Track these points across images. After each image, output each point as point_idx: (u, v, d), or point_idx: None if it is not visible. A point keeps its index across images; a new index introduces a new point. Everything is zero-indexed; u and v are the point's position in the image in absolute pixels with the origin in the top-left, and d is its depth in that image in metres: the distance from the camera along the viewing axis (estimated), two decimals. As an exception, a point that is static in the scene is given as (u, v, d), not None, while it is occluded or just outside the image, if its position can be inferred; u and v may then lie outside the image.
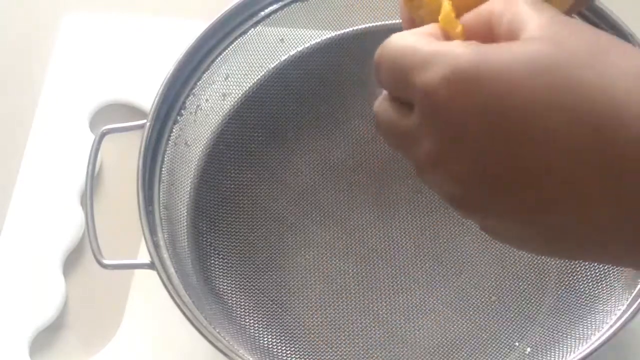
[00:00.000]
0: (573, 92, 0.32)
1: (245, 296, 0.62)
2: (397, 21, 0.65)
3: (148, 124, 0.59)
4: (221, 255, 0.62)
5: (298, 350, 0.60)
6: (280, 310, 0.62)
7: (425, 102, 0.34)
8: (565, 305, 0.59)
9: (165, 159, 0.60)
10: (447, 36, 0.37)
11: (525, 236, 0.36)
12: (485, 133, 0.33)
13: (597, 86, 0.32)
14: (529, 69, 0.33)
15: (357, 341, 0.61)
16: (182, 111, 0.61)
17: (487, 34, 0.36)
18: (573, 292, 0.60)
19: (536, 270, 0.62)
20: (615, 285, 0.58)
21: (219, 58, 0.63)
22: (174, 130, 0.61)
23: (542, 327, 0.59)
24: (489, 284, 0.62)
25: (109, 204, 0.68)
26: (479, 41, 0.35)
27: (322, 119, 0.67)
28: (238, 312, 0.61)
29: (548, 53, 0.33)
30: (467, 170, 0.34)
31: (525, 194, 0.34)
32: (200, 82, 0.62)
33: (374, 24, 0.66)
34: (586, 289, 0.59)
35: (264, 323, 0.61)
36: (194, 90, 0.62)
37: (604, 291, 0.58)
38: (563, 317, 0.59)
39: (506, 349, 0.59)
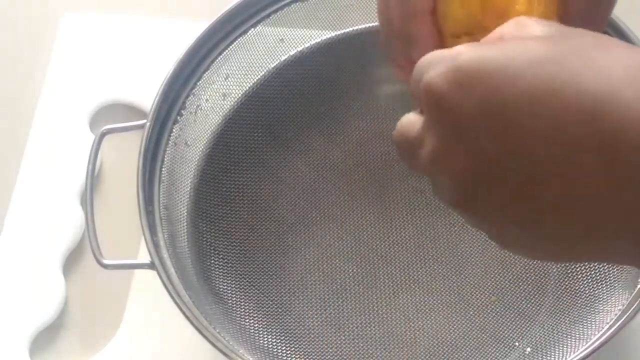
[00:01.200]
0: (570, 80, 0.32)
1: (245, 296, 0.62)
2: (397, 21, 0.65)
3: (148, 124, 0.59)
4: (221, 255, 0.62)
5: (298, 350, 0.60)
6: (280, 310, 0.62)
7: (427, 99, 0.35)
8: (565, 305, 0.59)
9: (165, 159, 0.60)
10: None
11: (530, 241, 0.35)
12: (484, 126, 0.33)
13: (593, 74, 0.32)
14: (525, 61, 0.33)
15: (357, 341, 0.61)
16: (182, 111, 0.61)
17: None
18: (573, 292, 0.60)
19: (536, 270, 0.62)
20: (615, 285, 0.58)
21: (219, 58, 0.63)
22: (174, 130, 0.61)
23: (542, 327, 0.59)
24: (489, 284, 0.62)
25: (109, 204, 0.68)
26: None
27: (322, 119, 0.67)
28: (238, 312, 0.61)
29: (545, 47, 0.33)
30: (468, 165, 0.34)
31: (527, 189, 0.33)
32: (200, 82, 0.62)
33: (374, 24, 0.66)
34: (586, 289, 0.59)
35: (264, 323, 0.61)
36: (194, 90, 0.62)
37: (604, 291, 0.58)
38: (563, 317, 0.59)
39: (506, 349, 0.59)
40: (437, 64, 0.35)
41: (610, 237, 0.33)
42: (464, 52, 0.34)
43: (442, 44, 0.40)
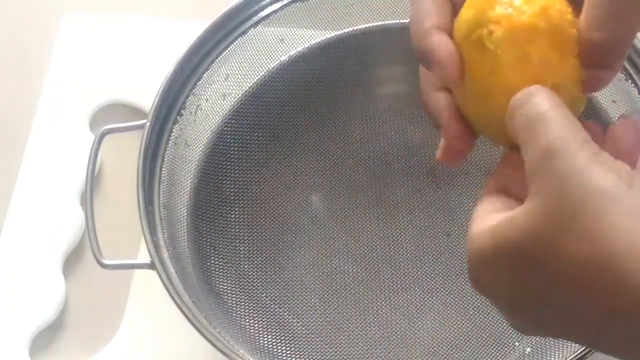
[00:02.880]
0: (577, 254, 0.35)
1: (245, 296, 0.62)
2: (397, 21, 0.65)
3: (148, 124, 0.59)
4: (221, 255, 0.62)
5: (298, 350, 0.60)
6: (280, 310, 0.62)
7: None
8: (565, 305, 0.59)
9: (165, 159, 0.60)
10: None
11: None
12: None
13: (597, 241, 0.34)
14: (530, 238, 0.36)
15: (357, 341, 0.61)
16: (182, 111, 0.61)
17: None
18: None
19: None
20: (615, 285, 0.58)
21: (219, 58, 0.63)
22: (174, 130, 0.61)
23: (542, 327, 0.59)
24: (489, 284, 0.62)
25: (109, 204, 0.68)
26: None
27: (322, 119, 0.67)
28: (238, 312, 0.61)
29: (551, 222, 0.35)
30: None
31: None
32: (200, 82, 0.62)
33: (374, 24, 0.66)
34: (586, 289, 0.59)
35: (264, 323, 0.61)
36: (194, 90, 0.62)
37: (604, 291, 0.58)
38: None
39: (506, 349, 0.59)
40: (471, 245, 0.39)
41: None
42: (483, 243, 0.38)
43: (457, 49, 0.40)
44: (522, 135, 0.37)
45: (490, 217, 0.38)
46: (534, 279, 0.36)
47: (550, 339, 0.57)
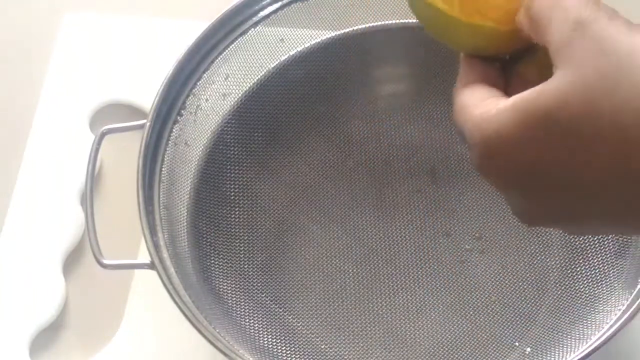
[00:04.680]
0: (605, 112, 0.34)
1: (245, 296, 0.62)
2: (397, 21, 0.65)
3: (148, 124, 0.59)
4: (221, 255, 0.62)
5: (298, 350, 0.60)
6: (280, 310, 0.62)
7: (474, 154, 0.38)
8: (565, 305, 0.59)
9: (165, 159, 0.60)
10: None
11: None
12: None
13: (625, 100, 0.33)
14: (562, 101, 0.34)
15: (357, 341, 0.61)
16: (182, 111, 0.61)
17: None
18: (573, 292, 0.60)
19: (536, 270, 0.62)
20: (615, 285, 0.58)
21: (219, 58, 0.63)
22: (174, 130, 0.61)
23: (542, 327, 0.59)
24: (489, 284, 0.62)
25: (109, 204, 0.68)
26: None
27: (322, 119, 0.67)
28: (238, 312, 0.61)
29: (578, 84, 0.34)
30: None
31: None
32: (200, 82, 0.62)
33: (374, 24, 0.66)
34: (586, 288, 0.59)
35: (264, 323, 0.61)
36: (194, 90, 0.62)
37: (604, 291, 0.58)
38: (563, 317, 0.59)
39: (506, 349, 0.59)
40: (471, 136, 0.37)
41: None
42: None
43: None
44: (546, 15, 0.36)
45: (495, 101, 0.37)
46: (571, 150, 0.35)
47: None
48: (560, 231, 0.41)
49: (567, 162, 0.35)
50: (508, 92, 0.39)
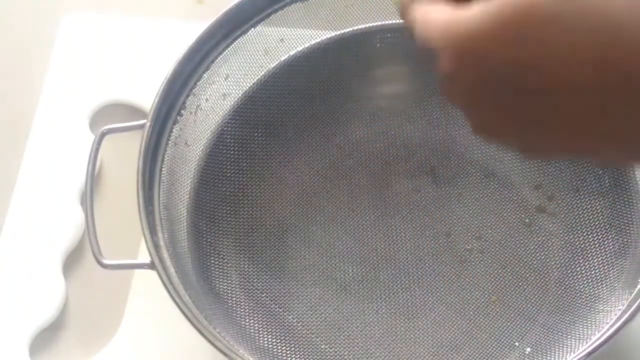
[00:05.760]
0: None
1: (245, 296, 0.62)
2: (397, 21, 0.65)
3: (148, 124, 0.59)
4: (221, 255, 0.62)
5: (298, 350, 0.60)
6: (280, 310, 0.62)
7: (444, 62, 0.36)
8: (566, 305, 0.59)
9: (165, 159, 0.60)
10: None
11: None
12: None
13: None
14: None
15: (357, 341, 0.61)
16: (182, 111, 0.61)
17: None
18: (573, 292, 0.60)
19: (536, 270, 0.62)
20: (615, 285, 0.58)
21: (219, 58, 0.63)
22: (174, 130, 0.61)
23: (542, 327, 0.59)
24: (489, 284, 0.62)
25: (109, 204, 0.68)
26: None
27: (322, 119, 0.67)
28: (238, 312, 0.61)
29: None
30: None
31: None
32: (200, 82, 0.62)
33: (374, 24, 0.66)
34: (586, 288, 0.59)
35: (264, 323, 0.61)
36: (194, 90, 0.62)
37: (604, 291, 0.58)
38: (563, 317, 0.59)
39: (506, 349, 0.59)
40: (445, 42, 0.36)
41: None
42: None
43: None
44: None
45: (461, 9, 0.35)
46: (551, 48, 0.33)
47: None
48: (520, 152, 0.40)
49: (545, 59, 0.34)
50: None
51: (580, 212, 0.62)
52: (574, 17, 0.33)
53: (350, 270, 0.63)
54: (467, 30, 0.35)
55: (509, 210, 0.64)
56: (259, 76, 0.65)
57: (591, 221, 0.61)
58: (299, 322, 0.62)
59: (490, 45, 0.34)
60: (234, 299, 0.61)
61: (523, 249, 0.62)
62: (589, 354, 0.52)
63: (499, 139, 0.40)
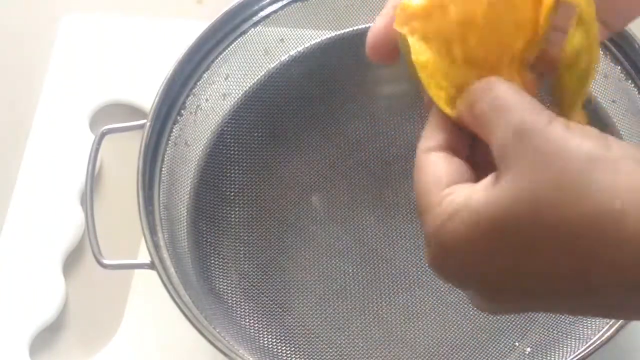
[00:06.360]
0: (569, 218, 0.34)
1: (245, 296, 0.62)
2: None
3: (148, 124, 0.59)
4: (221, 255, 0.62)
5: (298, 350, 0.60)
6: (280, 310, 0.62)
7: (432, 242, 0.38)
8: (566, 305, 0.59)
9: (165, 159, 0.60)
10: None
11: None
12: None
13: (590, 198, 0.34)
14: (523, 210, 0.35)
15: (357, 341, 0.61)
16: (182, 111, 0.61)
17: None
18: (573, 292, 0.60)
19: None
20: (615, 285, 0.58)
21: (219, 58, 0.63)
22: (174, 130, 0.61)
23: (542, 327, 0.59)
24: (489, 284, 0.62)
25: (109, 204, 0.68)
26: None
27: (322, 119, 0.67)
28: (238, 312, 0.61)
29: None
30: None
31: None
32: (200, 82, 0.62)
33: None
34: (586, 289, 0.59)
35: (264, 323, 0.61)
36: (194, 90, 0.62)
37: (604, 291, 0.58)
38: (563, 317, 0.59)
39: (506, 349, 0.59)
40: (429, 221, 0.37)
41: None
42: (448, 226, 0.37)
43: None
44: (487, 120, 0.37)
45: (452, 196, 0.37)
46: (524, 251, 0.35)
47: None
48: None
49: (518, 268, 0.36)
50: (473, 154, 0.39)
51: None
52: (531, 238, 0.35)
53: (350, 271, 0.63)
54: (453, 238, 0.37)
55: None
56: (259, 76, 0.65)
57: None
58: (299, 322, 0.62)
59: (468, 251, 0.36)
60: (234, 299, 0.61)
61: (523, 249, 0.62)
62: (589, 353, 0.52)
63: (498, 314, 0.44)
